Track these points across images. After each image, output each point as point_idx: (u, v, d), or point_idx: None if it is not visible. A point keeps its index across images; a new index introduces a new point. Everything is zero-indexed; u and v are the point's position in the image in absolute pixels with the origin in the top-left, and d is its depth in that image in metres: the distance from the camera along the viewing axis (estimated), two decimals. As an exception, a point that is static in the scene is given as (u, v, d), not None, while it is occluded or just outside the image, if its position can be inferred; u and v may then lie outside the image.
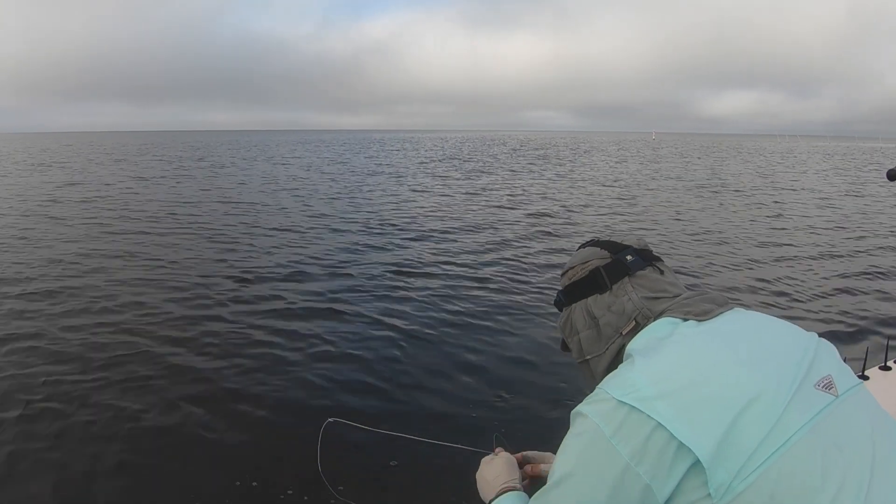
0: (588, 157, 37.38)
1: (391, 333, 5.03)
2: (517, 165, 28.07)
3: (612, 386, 0.86)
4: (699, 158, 38.69)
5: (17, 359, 4.33)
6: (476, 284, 6.73)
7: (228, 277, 6.99)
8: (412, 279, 6.92)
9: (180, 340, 4.90)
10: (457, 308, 5.75)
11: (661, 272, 1.08)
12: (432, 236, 9.79)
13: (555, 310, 1.19)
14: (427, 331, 5.09)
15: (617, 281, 1.05)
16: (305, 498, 2.81)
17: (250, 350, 4.67)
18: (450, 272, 7.30)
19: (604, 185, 19.26)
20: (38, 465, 3.04)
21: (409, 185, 18.55)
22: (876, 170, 29.52)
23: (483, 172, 23.78)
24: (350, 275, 7.06)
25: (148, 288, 6.43)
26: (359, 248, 8.57)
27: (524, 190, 17.23)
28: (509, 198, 15.07)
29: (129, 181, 19.63)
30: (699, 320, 0.94)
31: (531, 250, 8.60)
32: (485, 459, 1.28)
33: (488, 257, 8.23)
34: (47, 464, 3.06)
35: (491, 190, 17.04)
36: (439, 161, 32.11)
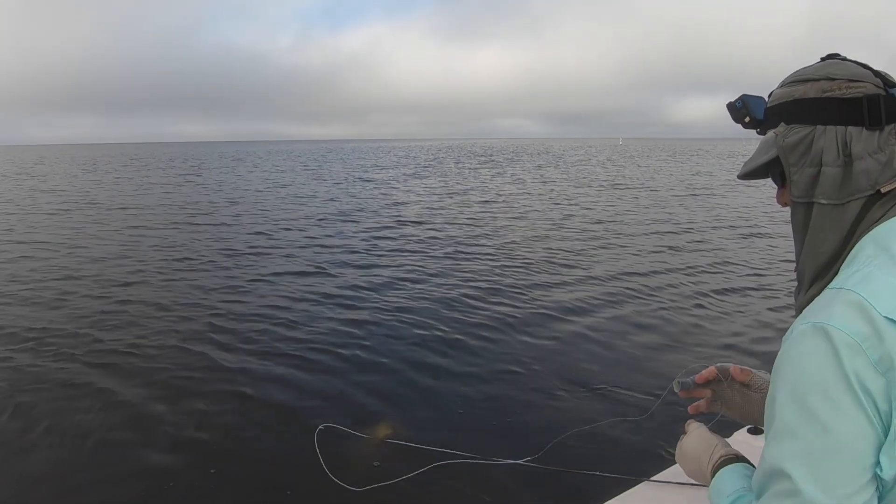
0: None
1: (388, 334, 5.22)
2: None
3: (868, 290, 0.69)
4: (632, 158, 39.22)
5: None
6: (476, 288, 6.88)
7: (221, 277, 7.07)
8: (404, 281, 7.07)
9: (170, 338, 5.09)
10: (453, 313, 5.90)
11: None
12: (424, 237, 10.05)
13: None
14: (425, 334, 5.25)
15: (890, 122, 0.80)
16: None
17: (243, 353, 4.80)
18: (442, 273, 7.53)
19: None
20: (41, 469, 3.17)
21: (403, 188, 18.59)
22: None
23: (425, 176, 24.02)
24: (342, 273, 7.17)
25: (140, 289, 6.52)
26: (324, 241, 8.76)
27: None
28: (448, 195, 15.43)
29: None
30: None
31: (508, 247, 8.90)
32: (683, 441, 1.12)
33: (489, 262, 8.41)
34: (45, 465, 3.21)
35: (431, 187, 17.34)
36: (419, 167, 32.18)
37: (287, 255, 8.99)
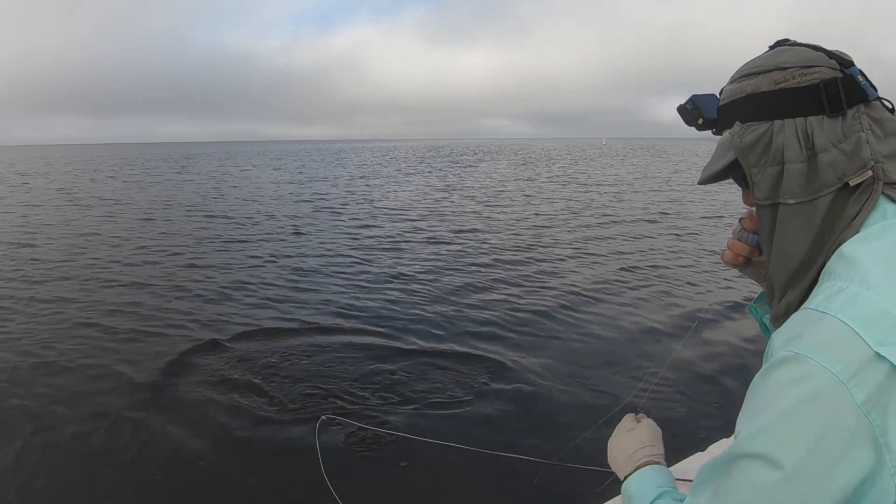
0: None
1: (385, 333, 5.28)
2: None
3: (855, 317, 0.61)
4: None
5: None
6: (470, 281, 7.05)
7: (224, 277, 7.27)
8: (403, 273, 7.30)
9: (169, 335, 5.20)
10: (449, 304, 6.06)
11: (892, 110, 0.77)
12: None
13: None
14: (422, 329, 5.33)
15: (852, 106, 0.73)
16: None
17: (244, 348, 4.88)
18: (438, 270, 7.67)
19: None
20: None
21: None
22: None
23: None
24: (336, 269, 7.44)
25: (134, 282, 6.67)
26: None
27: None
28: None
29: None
30: None
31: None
32: (624, 424, 1.09)
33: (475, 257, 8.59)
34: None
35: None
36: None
37: (279, 248, 9.12)
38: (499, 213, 13.55)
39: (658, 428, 1.05)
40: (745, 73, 0.79)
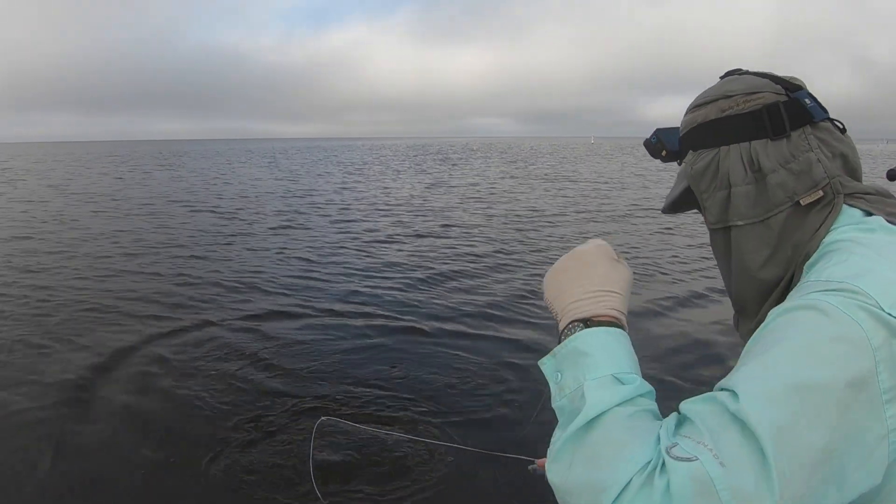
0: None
1: (384, 332, 5.21)
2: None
3: (865, 282, 0.59)
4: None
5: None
6: (464, 281, 7.00)
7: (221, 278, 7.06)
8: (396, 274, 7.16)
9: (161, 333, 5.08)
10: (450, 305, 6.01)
11: (843, 130, 0.79)
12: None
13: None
14: (420, 329, 5.27)
15: (797, 128, 0.76)
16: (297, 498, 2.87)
17: (244, 347, 4.79)
18: (437, 270, 7.53)
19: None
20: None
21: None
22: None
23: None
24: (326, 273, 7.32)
25: (130, 277, 6.36)
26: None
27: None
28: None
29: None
30: None
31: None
32: (594, 248, 0.79)
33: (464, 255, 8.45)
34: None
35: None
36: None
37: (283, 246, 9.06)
38: (493, 208, 13.66)
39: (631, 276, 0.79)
40: (697, 104, 0.84)
